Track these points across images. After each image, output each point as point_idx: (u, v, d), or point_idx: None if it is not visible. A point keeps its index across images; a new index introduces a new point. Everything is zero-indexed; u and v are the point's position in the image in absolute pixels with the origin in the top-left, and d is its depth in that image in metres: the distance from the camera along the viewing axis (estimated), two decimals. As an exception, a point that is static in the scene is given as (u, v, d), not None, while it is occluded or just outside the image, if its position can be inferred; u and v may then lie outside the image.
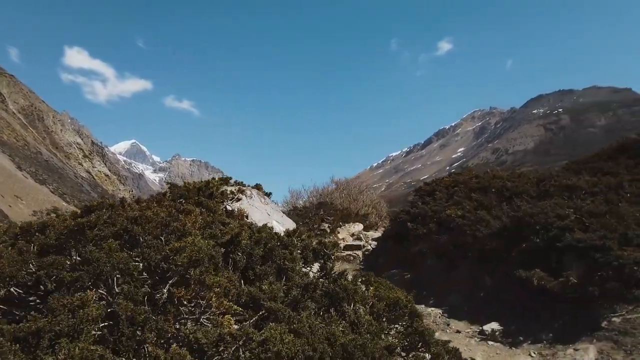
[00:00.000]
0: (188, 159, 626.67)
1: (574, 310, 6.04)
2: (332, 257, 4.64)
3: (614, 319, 5.43)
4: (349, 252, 12.06)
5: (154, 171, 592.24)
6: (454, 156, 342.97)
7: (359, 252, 12.06)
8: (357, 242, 12.84)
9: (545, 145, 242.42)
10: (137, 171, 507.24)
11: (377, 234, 15.51)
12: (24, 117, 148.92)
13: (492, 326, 6.29)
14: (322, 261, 4.73)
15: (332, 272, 4.47)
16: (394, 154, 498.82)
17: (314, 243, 4.65)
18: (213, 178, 6.70)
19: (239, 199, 5.78)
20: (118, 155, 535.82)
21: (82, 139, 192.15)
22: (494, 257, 7.58)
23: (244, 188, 6.36)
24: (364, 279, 4.78)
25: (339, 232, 15.19)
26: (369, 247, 12.24)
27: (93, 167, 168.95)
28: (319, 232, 14.78)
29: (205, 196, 5.38)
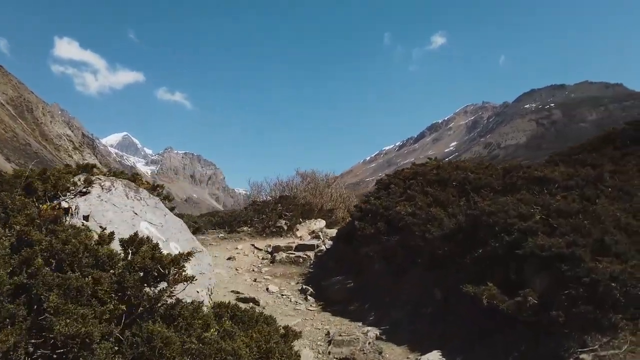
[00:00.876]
0: (180, 152, 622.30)
1: (535, 336, 4.70)
2: (172, 278, 3.20)
3: (582, 355, 4.06)
4: (299, 254, 10.68)
5: (146, 164, 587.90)
6: (446, 150, 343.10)
7: (311, 253, 10.68)
8: (311, 242, 11.43)
9: (537, 140, 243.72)
10: (128, 164, 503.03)
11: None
12: (13, 109, 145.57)
13: (432, 358, 4.91)
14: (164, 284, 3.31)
15: (161, 305, 3.04)
16: (387, 147, 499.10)
17: (147, 259, 3.20)
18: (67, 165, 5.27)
19: (84, 193, 4.33)
20: (109, 148, 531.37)
21: (72, 131, 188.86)
22: (447, 263, 6.23)
23: (101, 179, 4.88)
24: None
25: (297, 230, 13.80)
26: (323, 248, 10.86)
27: (83, 159, 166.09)
28: (274, 230, 13.40)
29: (25, 189, 3.95)
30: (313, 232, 13.64)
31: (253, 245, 12.01)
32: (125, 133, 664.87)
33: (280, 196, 15.35)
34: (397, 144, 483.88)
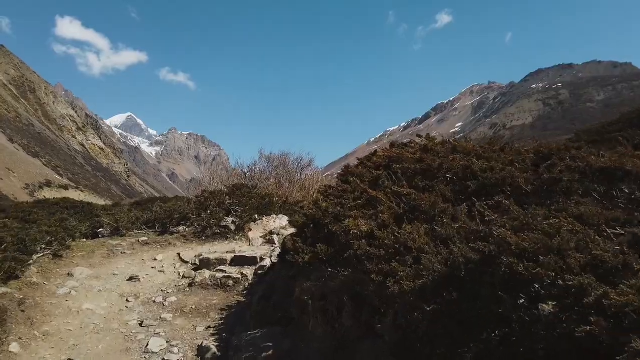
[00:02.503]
0: (184, 133, 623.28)
1: None
2: None
3: None
4: (233, 271, 7.54)
5: (150, 145, 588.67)
6: (451, 131, 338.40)
7: (250, 271, 7.54)
8: (254, 252, 8.24)
9: (543, 121, 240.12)
10: (133, 144, 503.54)
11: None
12: (15, 89, 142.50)
13: None
14: None
15: None
16: (391, 128, 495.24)
17: None
18: None
19: None
20: (114, 129, 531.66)
21: (76, 112, 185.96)
22: (427, 343, 3.10)
23: None
24: None
25: (250, 230, 10.63)
26: (268, 262, 7.71)
27: (87, 140, 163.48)
28: (218, 231, 10.23)
29: None
30: (270, 233, 10.48)
31: (179, 255, 8.86)
32: (129, 114, 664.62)
33: (233, 185, 12.16)
34: (401, 125, 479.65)
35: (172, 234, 10.42)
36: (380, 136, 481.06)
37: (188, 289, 7.21)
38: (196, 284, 7.29)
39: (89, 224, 10.58)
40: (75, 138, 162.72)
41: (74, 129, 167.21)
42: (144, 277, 7.63)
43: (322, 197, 6.04)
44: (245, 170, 13.62)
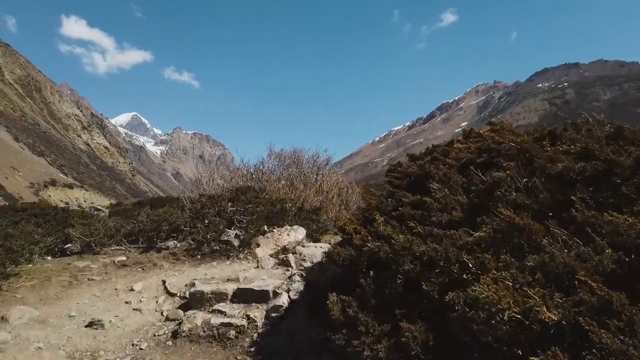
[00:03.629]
0: (189, 132, 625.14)
1: None
2: None
3: None
4: (235, 314, 5.33)
5: (155, 144, 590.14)
6: (456, 130, 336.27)
7: (259, 314, 5.31)
8: (265, 283, 5.98)
9: (549, 120, 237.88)
10: (138, 144, 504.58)
11: (329, 246, 8.78)
12: (21, 88, 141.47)
13: None
14: None
15: None
16: (396, 128, 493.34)
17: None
18: None
19: None
20: (119, 128, 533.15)
21: (81, 111, 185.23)
22: None
23: None
24: None
25: (258, 246, 8.39)
26: (285, 300, 5.47)
27: (92, 139, 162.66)
28: (217, 248, 8.00)
29: None
30: (283, 250, 8.24)
31: (164, 283, 6.63)
32: (134, 113, 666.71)
33: (236, 188, 9.89)
34: (406, 124, 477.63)
35: (159, 250, 8.18)
36: (384, 135, 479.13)
37: (171, 343, 4.95)
38: (183, 334, 5.03)
39: (54, 237, 8.37)
40: (81, 137, 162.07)
41: (79, 128, 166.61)
42: (110, 321, 5.38)
43: (378, 214, 3.78)
44: (252, 170, 11.36)
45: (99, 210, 40.59)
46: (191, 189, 11.76)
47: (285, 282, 6.11)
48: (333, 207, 10.81)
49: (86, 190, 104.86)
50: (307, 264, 7.15)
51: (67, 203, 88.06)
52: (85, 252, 8.03)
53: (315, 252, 7.62)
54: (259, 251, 8.24)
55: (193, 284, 6.32)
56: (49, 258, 8.02)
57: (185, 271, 7.34)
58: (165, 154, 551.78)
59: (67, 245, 8.28)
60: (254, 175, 11.12)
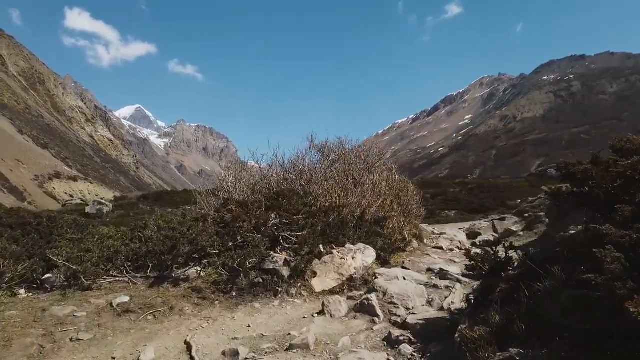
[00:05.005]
0: (193, 125, 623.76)
1: None
2: None
3: None
4: None
5: (159, 136, 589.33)
6: (460, 123, 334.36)
7: None
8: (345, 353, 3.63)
9: (554, 113, 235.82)
10: (141, 136, 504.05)
11: (417, 275, 6.39)
12: (25, 80, 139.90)
13: None
14: None
15: None
16: (400, 120, 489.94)
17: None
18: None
19: None
20: (123, 120, 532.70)
21: (85, 103, 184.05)
22: None
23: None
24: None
25: (315, 275, 5.98)
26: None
27: (96, 131, 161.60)
28: (258, 280, 5.59)
29: None
30: (350, 281, 5.86)
31: (189, 347, 4.26)
32: (138, 106, 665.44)
33: (275, 192, 7.41)
34: (410, 117, 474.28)
35: (176, 283, 5.77)
36: (388, 128, 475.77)
37: None
38: None
39: (31, 262, 5.98)
40: (84, 130, 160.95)
41: (83, 120, 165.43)
42: None
43: None
44: (288, 167, 8.91)
45: (103, 204, 38.23)
46: (205, 183, 9.29)
47: (391, 356, 3.72)
48: (395, 216, 8.40)
49: (90, 183, 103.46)
50: (402, 312, 4.75)
51: (71, 196, 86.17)
52: (72, 286, 5.62)
53: (406, 288, 5.22)
54: (316, 283, 5.84)
55: (235, 353, 3.92)
56: (22, 292, 5.65)
57: (217, 319, 4.94)
58: (169, 147, 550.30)
59: (46, 276, 5.87)
60: (291, 175, 8.68)
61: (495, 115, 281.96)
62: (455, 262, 7.95)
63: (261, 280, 5.59)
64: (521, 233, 10.52)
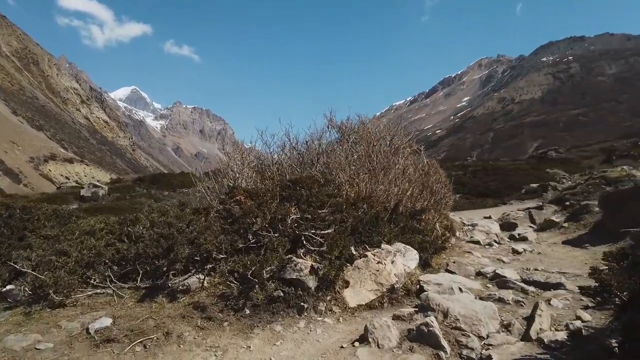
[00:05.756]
0: (189, 107, 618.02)
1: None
2: None
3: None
4: None
5: (155, 118, 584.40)
6: (458, 105, 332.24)
7: None
8: None
9: (552, 95, 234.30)
10: (137, 118, 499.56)
11: (468, 282, 5.18)
12: (18, 61, 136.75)
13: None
14: None
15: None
16: (397, 102, 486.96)
17: None
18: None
19: None
20: (118, 102, 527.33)
21: (80, 85, 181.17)
22: None
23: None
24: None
25: (347, 285, 4.78)
26: None
27: (91, 113, 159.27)
28: (277, 294, 4.35)
29: None
30: (391, 292, 4.68)
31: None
32: (133, 87, 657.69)
33: (290, 180, 6.12)
34: (408, 99, 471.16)
35: (172, 296, 4.55)
36: (386, 110, 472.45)
37: None
38: None
39: (-11, 270, 4.74)
40: (80, 111, 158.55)
41: (78, 102, 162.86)
42: None
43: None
44: (302, 149, 7.62)
45: (98, 186, 36.87)
46: (202, 166, 7.95)
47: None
48: (430, 207, 7.19)
49: (87, 165, 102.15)
50: (475, 344, 3.54)
51: (67, 178, 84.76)
52: (40, 301, 4.40)
53: (473, 307, 4.01)
54: (349, 295, 4.64)
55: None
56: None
57: (227, 350, 3.74)
58: (165, 129, 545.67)
59: (8, 287, 4.64)
60: (307, 158, 7.41)
61: (493, 97, 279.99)
62: (504, 261, 6.76)
63: (282, 294, 4.37)
64: (565, 224, 9.36)
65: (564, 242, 8.26)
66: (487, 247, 8.07)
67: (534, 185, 21.91)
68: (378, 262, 4.97)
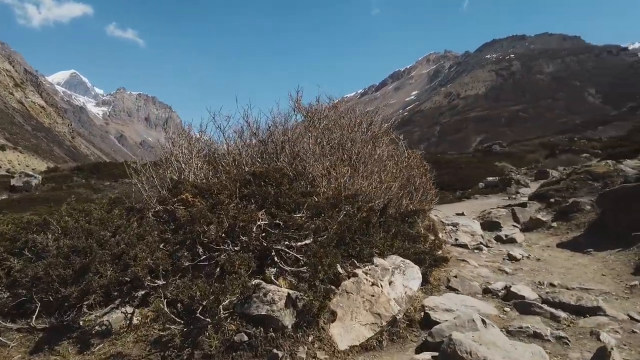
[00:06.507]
0: (134, 93, 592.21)
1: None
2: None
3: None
4: None
5: (97, 104, 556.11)
6: (407, 99, 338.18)
7: None
8: None
9: (495, 91, 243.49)
10: (77, 104, 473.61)
11: (481, 305, 4.04)
12: None
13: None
14: None
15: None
16: (348, 95, 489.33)
17: None
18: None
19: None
20: (56, 86, 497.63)
21: (13, 66, 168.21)
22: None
23: None
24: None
25: (334, 318, 3.51)
26: None
27: (26, 97, 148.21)
28: (239, 340, 2.96)
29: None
30: (391, 325, 3.48)
31: None
32: (73, 71, 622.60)
33: (253, 173, 4.75)
34: (358, 92, 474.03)
35: (84, 342, 3.12)
36: (337, 102, 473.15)
37: None
38: None
39: None
40: (13, 95, 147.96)
41: (11, 84, 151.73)
42: None
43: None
44: (264, 136, 6.23)
45: (31, 176, 33.63)
46: (152, 165, 6.41)
47: None
48: (422, 208, 6.05)
49: (20, 152, 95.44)
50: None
51: (-1, 166, 78.10)
52: None
53: (520, 357, 2.85)
54: (337, 333, 3.37)
55: None
56: None
57: None
58: (108, 116, 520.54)
59: None
60: (268, 148, 6.05)
61: (440, 92, 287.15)
62: (506, 272, 5.71)
63: (246, 338, 3.04)
64: (554, 224, 8.52)
65: (558, 245, 7.40)
66: (476, 251, 7.04)
67: (492, 178, 21.53)
68: (372, 284, 3.73)
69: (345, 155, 5.97)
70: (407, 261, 4.30)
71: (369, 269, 3.92)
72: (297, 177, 5.08)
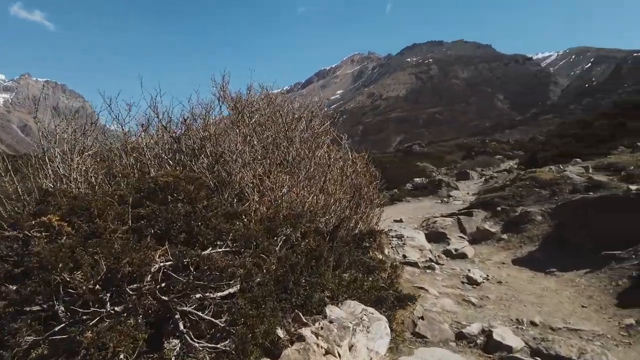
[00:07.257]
0: (41, 80, 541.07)
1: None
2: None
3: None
4: None
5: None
6: (332, 98, 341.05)
7: None
8: None
9: (415, 94, 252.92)
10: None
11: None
12: None
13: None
14: None
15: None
16: (274, 91, 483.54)
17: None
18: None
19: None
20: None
21: None
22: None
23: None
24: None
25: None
26: None
27: None
28: None
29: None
30: None
31: None
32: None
33: (162, 183, 3.43)
34: (284, 89, 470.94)
35: None
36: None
37: None
38: None
39: None
40: None
41: None
42: None
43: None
44: (178, 134, 4.86)
45: None
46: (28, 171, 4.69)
47: None
48: (379, 229, 4.97)
49: None
50: None
51: None
52: None
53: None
54: None
55: None
56: None
57: None
58: (10, 104, 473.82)
59: None
60: (182, 146, 4.67)
61: (363, 92, 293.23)
62: (472, 302, 4.78)
63: None
64: (504, 236, 7.86)
65: (514, 262, 6.71)
66: (428, 271, 6.11)
67: (419, 180, 21.27)
68: (326, 352, 2.55)
69: (281, 159, 4.74)
70: (370, 310, 3.17)
71: (321, 327, 2.73)
72: (219, 188, 3.77)
